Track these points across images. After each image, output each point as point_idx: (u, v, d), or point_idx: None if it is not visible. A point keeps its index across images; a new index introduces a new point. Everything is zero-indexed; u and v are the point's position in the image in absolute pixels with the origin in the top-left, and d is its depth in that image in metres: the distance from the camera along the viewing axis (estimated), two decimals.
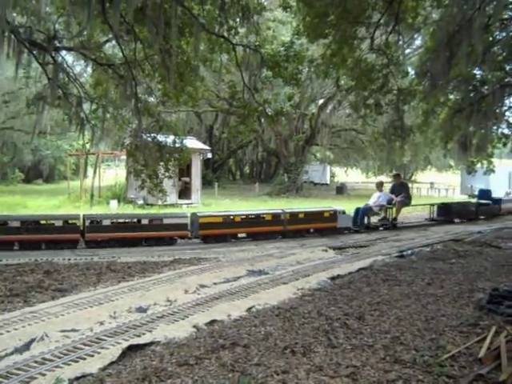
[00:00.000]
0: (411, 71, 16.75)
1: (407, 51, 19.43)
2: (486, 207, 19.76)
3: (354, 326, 5.61)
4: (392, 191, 16.21)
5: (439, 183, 46.79)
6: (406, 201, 15.86)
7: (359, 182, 60.58)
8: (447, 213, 17.94)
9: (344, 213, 14.37)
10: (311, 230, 13.89)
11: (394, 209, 15.84)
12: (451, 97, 16.63)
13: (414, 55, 21.70)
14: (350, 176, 69.02)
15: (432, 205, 18.64)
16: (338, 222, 14.05)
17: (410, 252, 11.07)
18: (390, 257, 10.44)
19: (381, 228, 15.38)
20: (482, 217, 19.18)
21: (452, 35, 10.87)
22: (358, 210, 15.04)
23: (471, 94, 14.86)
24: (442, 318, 6.03)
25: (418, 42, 21.73)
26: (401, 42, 13.97)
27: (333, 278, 8.25)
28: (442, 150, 20.93)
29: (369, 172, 65.65)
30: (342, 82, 27.17)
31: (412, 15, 12.43)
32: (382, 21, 12.27)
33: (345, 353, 4.80)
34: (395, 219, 15.54)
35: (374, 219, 15.92)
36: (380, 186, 16.24)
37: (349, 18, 11.87)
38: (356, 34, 13.10)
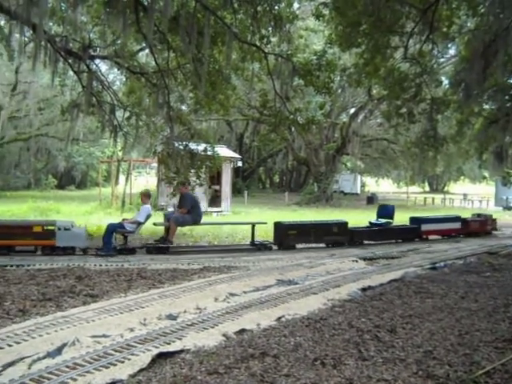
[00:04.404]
0: (445, 80, 16.58)
1: (441, 60, 19.20)
2: None
3: (385, 339, 5.52)
4: (178, 204, 12.75)
5: (472, 194, 45.98)
6: (188, 218, 12.01)
7: (390, 192, 60.10)
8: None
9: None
10: None
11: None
12: (486, 107, 16.37)
13: (448, 64, 21.42)
14: (381, 186, 68.48)
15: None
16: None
17: (442, 264, 10.86)
18: (422, 269, 10.26)
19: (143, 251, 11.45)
20: None
21: (488, 44, 10.71)
22: (109, 227, 11.16)
23: (507, 104, 14.61)
24: (476, 332, 5.89)
25: (452, 51, 21.43)
26: (435, 51, 13.81)
27: (363, 289, 8.14)
28: (477, 160, 20.61)
29: (400, 182, 65.10)
30: (374, 91, 27.16)
31: (447, 24, 12.31)
32: (415, 30, 12.17)
33: (376, 366, 4.72)
34: (166, 239, 11.65)
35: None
36: (145, 197, 12.06)
37: (382, 27, 11.82)
38: (389, 43, 13.03)
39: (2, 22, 14.86)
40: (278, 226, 13.02)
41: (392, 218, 15.17)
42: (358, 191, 54.16)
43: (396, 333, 5.76)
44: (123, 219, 11.83)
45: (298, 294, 7.64)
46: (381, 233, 14.56)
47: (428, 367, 4.72)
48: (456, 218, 16.77)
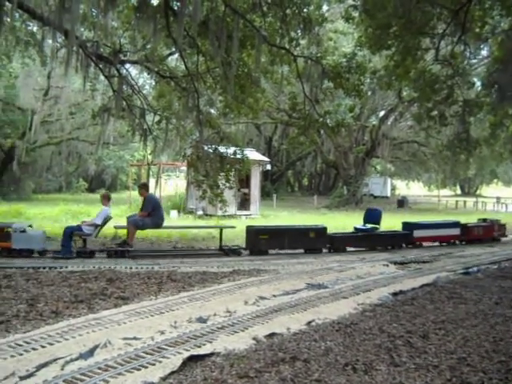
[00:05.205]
0: (478, 82, 16.31)
1: (473, 61, 18.90)
2: None
3: (417, 345, 5.43)
4: (142, 207, 12.14)
5: (506, 198, 45.07)
6: (148, 221, 11.55)
7: (421, 196, 59.38)
8: None
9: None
10: None
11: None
12: None
13: (481, 65, 21.08)
14: (412, 189, 67.73)
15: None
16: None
17: (475, 269, 10.65)
18: (455, 273, 10.08)
19: (103, 255, 11.14)
20: None
21: None
22: (66, 230, 10.92)
23: None
24: (511, 339, 5.75)
25: (484, 52, 21.10)
26: (467, 53, 13.61)
27: (395, 294, 8.03)
28: (511, 163, 20.20)
29: (431, 185, 64.33)
30: (405, 93, 26.89)
31: (479, 24, 12.13)
32: (447, 31, 12.01)
33: (408, 372, 4.64)
34: (125, 243, 11.25)
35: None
36: (104, 199, 11.69)
37: (412, 28, 11.70)
38: (420, 45, 12.90)
39: (35, 29, 15.18)
40: (249, 230, 12.42)
41: (379, 223, 14.17)
42: (388, 194, 53.66)
43: (428, 339, 5.66)
44: (82, 221, 11.63)
45: (327, 298, 7.58)
46: (366, 239, 13.67)
47: (462, 374, 4.63)
48: (455, 224, 15.69)
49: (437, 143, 25.92)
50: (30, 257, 10.39)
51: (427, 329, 6.04)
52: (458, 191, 77.27)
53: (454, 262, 11.52)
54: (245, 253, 12.18)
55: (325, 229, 13.09)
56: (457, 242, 15.40)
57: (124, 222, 11.96)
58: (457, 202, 45.38)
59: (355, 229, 14.15)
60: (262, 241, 12.14)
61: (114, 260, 10.54)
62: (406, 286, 8.58)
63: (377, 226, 14.06)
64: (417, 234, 14.34)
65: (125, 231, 11.75)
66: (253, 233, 12.25)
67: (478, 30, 12.30)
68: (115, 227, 12.19)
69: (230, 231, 14.29)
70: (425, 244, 14.60)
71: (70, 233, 10.73)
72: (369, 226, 14.04)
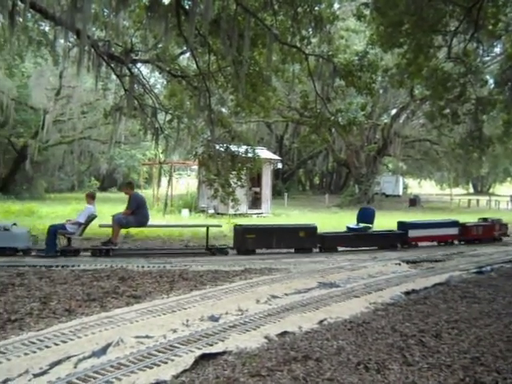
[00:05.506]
0: (490, 80, 16.18)
1: (486, 59, 18.76)
2: None
3: (430, 344, 5.40)
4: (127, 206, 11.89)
5: None
6: (132, 219, 11.44)
7: (433, 194, 59.07)
8: None
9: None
10: None
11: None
12: None
13: (494, 63, 20.92)
14: (424, 188, 67.40)
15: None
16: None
17: (489, 268, 10.56)
18: (468, 273, 10.01)
19: (87, 253, 11.07)
20: None
21: None
22: (50, 228, 10.87)
23: None
24: None
25: (497, 50, 20.92)
26: (480, 50, 13.51)
27: (407, 293, 7.99)
28: None
29: (443, 184, 64.00)
30: (417, 91, 26.74)
31: (492, 22, 12.01)
32: (460, 28, 11.93)
33: (421, 371, 4.62)
34: (110, 241, 11.16)
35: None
36: (89, 197, 11.64)
37: (424, 26, 11.62)
38: (432, 43, 12.81)
39: (47, 28, 15.28)
40: (236, 229, 12.19)
41: (371, 222, 13.74)
42: (400, 193, 53.40)
43: (441, 338, 5.63)
44: (67, 220, 11.52)
45: (339, 297, 7.56)
46: (358, 239, 13.27)
47: (475, 374, 4.60)
48: (452, 223, 15.19)
49: (449, 141, 25.75)
50: (15, 255, 10.34)
51: (440, 328, 6.01)
52: (471, 190, 76.80)
53: (467, 261, 11.44)
54: (232, 252, 11.98)
55: (315, 228, 12.79)
56: (455, 242, 15.00)
57: None
58: (469, 200, 45.08)
59: (348, 228, 13.83)
60: (248, 240, 11.90)
61: (126, 258, 10.58)
62: (418, 285, 8.53)
63: (369, 225, 13.68)
64: (412, 233, 13.93)
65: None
66: (240, 232, 12.00)
67: (491, 27, 12.18)
68: (100, 226, 12.02)
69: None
70: (423, 244, 14.28)
71: (55, 231, 10.69)
72: (362, 225, 13.70)
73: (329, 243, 12.85)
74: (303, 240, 12.43)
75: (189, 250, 12.43)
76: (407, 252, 12.86)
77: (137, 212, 11.53)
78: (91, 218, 11.15)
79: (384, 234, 14.16)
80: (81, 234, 11.21)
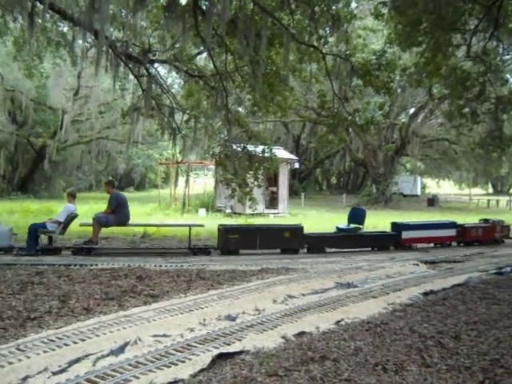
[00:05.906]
0: (511, 79, 15.99)
1: (506, 57, 18.53)
2: None
3: (449, 346, 5.34)
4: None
5: None
6: (112, 218, 11.39)
7: (452, 194, 58.51)
8: None
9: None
10: None
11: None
12: None
13: None
14: (442, 187, 66.82)
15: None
16: None
17: (509, 269, 10.43)
18: (487, 274, 9.90)
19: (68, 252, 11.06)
20: None
21: None
22: (31, 227, 10.91)
23: None
24: None
25: None
26: (500, 49, 13.36)
27: (425, 294, 7.92)
28: None
29: (462, 184, 63.39)
30: (435, 90, 26.52)
31: None
32: (479, 27, 11.80)
33: (440, 373, 4.57)
34: (90, 241, 11.06)
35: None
36: (70, 196, 11.82)
37: (443, 24, 11.52)
38: (451, 41, 12.69)
39: (66, 29, 15.42)
40: (219, 229, 12.04)
41: (362, 223, 13.44)
42: (418, 193, 52.94)
43: (460, 339, 5.57)
44: (48, 219, 11.58)
45: (357, 298, 7.52)
46: (347, 240, 12.92)
47: (495, 376, 4.53)
48: (450, 224, 14.69)
49: (468, 141, 25.52)
50: None
51: (459, 329, 5.94)
52: (490, 190, 75.94)
53: (487, 262, 11.31)
54: (215, 252, 11.77)
55: (301, 228, 12.56)
56: (453, 243, 14.47)
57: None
58: (489, 200, 44.59)
59: (337, 228, 13.45)
60: (232, 240, 11.71)
61: (144, 258, 10.62)
62: (436, 286, 8.45)
63: (360, 226, 13.40)
64: (405, 235, 13.43)
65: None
66: (223, 232, 11.86)
67: (511, 25, 12.04)
68: (81, 225, 11.91)
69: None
70: (420, 246, 13.83)
71: (35, 230, 10.73)
72: (352, 226, 13.40)
73: (315, 244, 12.56)
74: (289, 240, 12.19)
75: (172, 250, 12.17)
76: (425, 253, 12.74)
77: (117, 211, 11.53)
78: (71, 216, 11.15)
79: (375, 235, 13.90)
80: (62, 232, 11.22)
